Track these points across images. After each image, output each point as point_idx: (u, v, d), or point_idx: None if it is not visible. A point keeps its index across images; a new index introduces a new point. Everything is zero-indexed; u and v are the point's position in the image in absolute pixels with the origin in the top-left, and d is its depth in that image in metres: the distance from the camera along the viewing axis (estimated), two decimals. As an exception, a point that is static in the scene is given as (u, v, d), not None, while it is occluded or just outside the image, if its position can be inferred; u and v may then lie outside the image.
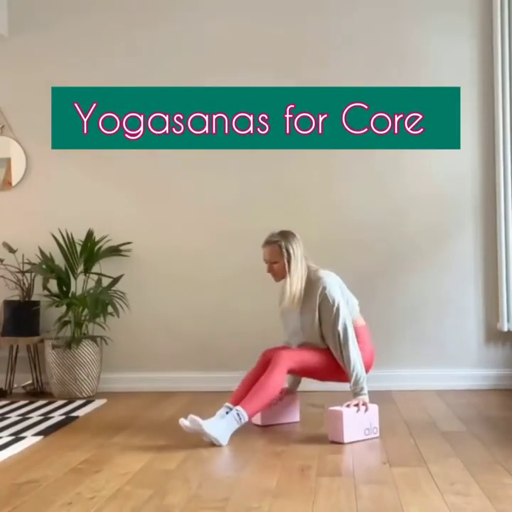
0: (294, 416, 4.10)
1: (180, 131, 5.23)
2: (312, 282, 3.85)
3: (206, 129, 5.21)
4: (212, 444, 3.54)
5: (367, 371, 3.84)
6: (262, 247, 3.98)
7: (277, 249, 3.88)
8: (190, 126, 5.22)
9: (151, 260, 5.25)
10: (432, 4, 5.10)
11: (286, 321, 4.00)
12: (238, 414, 3.60)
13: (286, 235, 3.91)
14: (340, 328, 3.75)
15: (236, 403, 3.69)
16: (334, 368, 3.82)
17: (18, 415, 4.40)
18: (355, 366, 3.72)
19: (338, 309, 3.77)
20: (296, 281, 3.85)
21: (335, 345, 3.77)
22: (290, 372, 3.83)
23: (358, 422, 3.63)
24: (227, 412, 3.66)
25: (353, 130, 5.11)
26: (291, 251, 3.85)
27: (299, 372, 3.90)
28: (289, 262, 3.85)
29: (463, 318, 5.07)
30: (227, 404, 3.73)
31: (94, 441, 3.73)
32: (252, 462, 3.30)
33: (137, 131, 5.23)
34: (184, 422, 3.58)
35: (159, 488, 2.91)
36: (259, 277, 5.08)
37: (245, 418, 3.61)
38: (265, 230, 5.09)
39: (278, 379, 3.69)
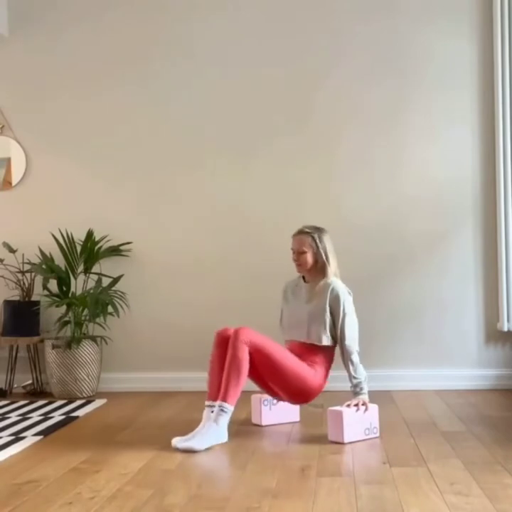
0: (294, 416, 4.10)
1: (180, 132, 5.24)
2: (326, 281, 3.88)
3: (206, 128, 5.22)
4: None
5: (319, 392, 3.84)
6: (293, 236, 3.99)
7: (308, 241, 3.91)
8: (190, 126, 5.23)
9: (151, 260, 5.25)
10: (433, 6, 5.10)
11: (291, 311, 3.98)
12: (222, 409, 3.54)
13: (319, 229, 3.96)
14: (348, 332, 3.77)
15: (214, 397, 3.63)
16: (291, 375, 3.72)
17: (18, 415, 4.40)
18: (357, 370, 3.75)
19: (345, 314, 3.79)
20: (332, 271, 3.88)
21: (340, 345, 3.79)
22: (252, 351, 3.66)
23: (358, 422, 3.63)
24: (212, 411, 3.60)
25: (353, 130, 5.13)
26: (324, 243, 3.90)
27: (252, 356, 3.65)
28: (325, 253, 3.89)
29: (463, 319, 5.08)
30: (207, 402, 3.65)
31: (94, 441, 3.73)
32: (252, 462, 3.30)
33: (137, 131, 5.25)
34: (177, 446, 3.49)
35: (159, 488, 2.91)
36: (259, 277, 5.11)
37: (230, 409, 3.56)
38: (265, 230, 5.14)
39: (241, 355, 3.60)
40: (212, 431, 3.53)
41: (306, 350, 3.84)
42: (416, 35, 5.12)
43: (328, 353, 3.86)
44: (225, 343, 3.71)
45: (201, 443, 3.47)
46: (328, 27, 5.16)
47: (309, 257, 3.90)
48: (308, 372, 3.76)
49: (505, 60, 4.99)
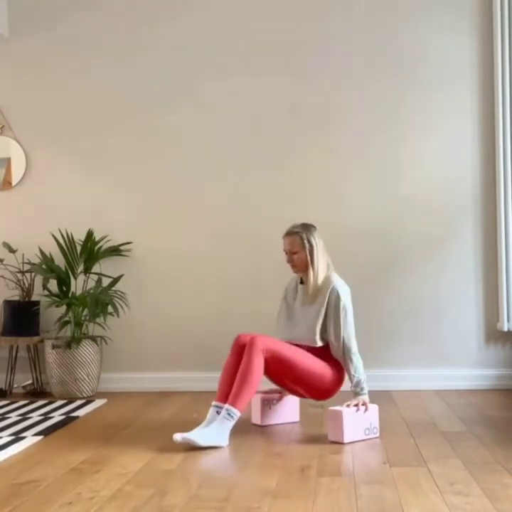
0: (294, 416, 4.10)
1: (181, 132, 5.24)
2: (325, 279, 3.87)
3: (207, 129, 5.22)
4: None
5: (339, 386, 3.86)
6: (283, 237, 3.98)
7: (298, 240, 3.90)
8: (190, 127, 5.23)
9: (151, 260, 5.25)
10: (432, 4, 5.10)
11: (290, 312, 3.99)
12: (229, 413, 3.55)
13: (307, 227, 3.94)
14: (347, 332, 3.78)
15: (224, 400, 3.63)
16: (309, 375, 3.74)
17: (18, 415, 4.40)
18: (357, 369, 3.75)
19: (346, 313, 3.79)
20: (321, 272, 3.87)
21: (338, 346, 3.78)
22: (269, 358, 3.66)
23: (358, 422, 3.63)
24: (217, 412, 3.61)
25: (352, 129, 5.13)
26: (313, 242, 3.88)
27: (269, 362, 3.66)
28: (311, 253, 3.87)
29: (463, 318, 5.07)
30: (215, 403, 3.66)
31: (94, 441, 3.73)
32: (252, 462, 3.30)
33: (137, 131, 5.25)
34: (177, 438, 3.51)
35: (159, 488, 2.91)
36: (259, 277, 5.11)
37: (237, 414, 3.56)
38: (265, 230, 5.13)
39: (257, 363, 3.60)
40: (215, 431, 3.53)
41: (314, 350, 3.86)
42: (415, 34, 5.11)
43: (327, 351, 3.86)
44: (241, 351, 3.70)
45: (202, 438, 3.48)
46: (327, 26, 5.16)
47: (302, 257, 3.89)
48: (325, 368, 3.78)
49: (505, 58, 4.99)
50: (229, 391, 3.63)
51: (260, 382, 3.64)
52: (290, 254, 3.93)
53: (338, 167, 5.16)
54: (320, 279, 3.86)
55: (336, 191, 5.15)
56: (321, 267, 3.87)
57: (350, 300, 3.85)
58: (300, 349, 3.81)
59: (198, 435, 3.49)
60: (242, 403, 3.57)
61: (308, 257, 3.87)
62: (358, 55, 5.14)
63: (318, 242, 3.89)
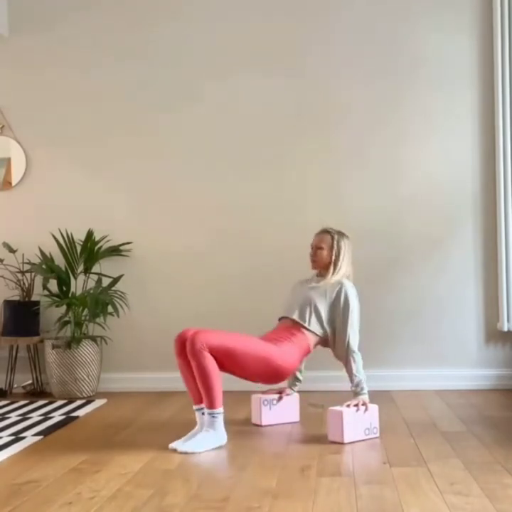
0: (294, 416, 4.10)
1: (181, 133, 5.24)
2: (338, 280, 3.94)
3: (207, 130, 5.22)
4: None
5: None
6: (316, 234, 4.06)
7: (329, 239, 4.00)
8: (191, 128, 5.23)
9: (151, 260, 5.25)
10: (432, 3, 5.10)
11: (295, 295, 4.01)
12: (213, 416, 3.53)
13: (341, 233, 4.05)
14: (352, 330, 3.80)
15: (200, 401, 3.62)
16: (255, 361, 3.68)
17: (18, 415, 4.40)
18: (358, 369, 3.76)
19: (352, 311, 3.83)
20: (339, 275, 3.95)
21: (343, 343, 3.80)
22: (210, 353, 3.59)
23: (358, 422, 3.63)
24: (203, 413, 3.60)
25: (352, 130, 5.13)
26: (342, 246, 3.99)
27: (214, 355, 3.56)
28: (337, 255, 3.97)
29: (463, 318, 5.07)
30: (195, 407, 3.64)
31: (94, 441, 3.73)
32: (252, 462, 3.29)
33: (137, 131, 5.25)
34: (174, 448, 3.50)
35: (159, 488, 2.91)
36: (259, 277, 5.11)
37: (220, 411, 3.54)
38: (265, 230, 5.14)
39: (207, 363, 3.51)
40: (210, 436, 3.53)
41: (290, 327, 3.87)
42: (415, 34, 5.11)
43: (310, 340, 3.85)
44: (185, 350, 3.62)
45: (200, 445, 3.47)
46: (327, 27, 5.16)
47: (325, 254, 3.98)
48: (274, 351, 3.72)
49: (505, 58, 4.99)
50: (198, 391, 3.60)
51: (220, 374, 3.57)
52: (315, 249, 4.01)
53: (338, 167, 5.16)
54: (335, 279, 3.93)
55: (336, 191, 5.15)
56: (341, 271, 3.97)
57: (357, 301, 3.90)
58: (243, 336, 3.75)
59: (196, 445, 3.47)
60: (217, 401, 3.54)
61: (333, 258, 3.96)
62: (358, 55, 5.14)
63: (347, 250, 4.00)
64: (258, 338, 3.80)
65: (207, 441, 3.51)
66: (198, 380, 3.57)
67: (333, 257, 3.97)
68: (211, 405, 3.54)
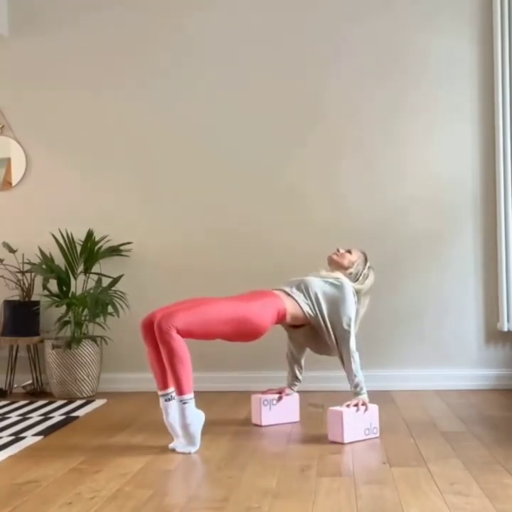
0: (294, 416, 4.10)
1: (182, 132, 5.24)
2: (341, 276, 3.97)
3: (208, 131, 5.22)
4: (212, 444, 3.55)
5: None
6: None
7: (361, 255, 4.09)
8: (191, 128, 5.23)
9: (151, 260, 5.25)
10: (432, 5, 5.11)
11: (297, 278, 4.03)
12: (183, 402, 3.46)
13: (371, 267, 4.10)
14: (347, 328, 3.79)
15: (164, 386, 3.58)
16: (230, 324, 3.62)
17: (18, 415, 4.40)
18: (357, 369, 3.76)
19: (345, 304, 3.82)
20: (349, 280, 3.94)
21: (341, 346, 3.80)
22: (184, 335, 3.52)
23: (358, 422, 3.63)
24: (167, 400, 3.55)
25: (353, 129, 5.13)
26: (367, 268, 4.04)
27: (186, 332, 3.50)
28: (361, 266, 4.03)
29: (463, 319, 5.07)
30: (160, 393, 3.60)
31: (94, 441, 3.73)
32: (252, 462, 3.29)
33: (137, 131, 5.26)
34: (172, 447, 3.52)
35: (159, 488, 2.91)
36: (259, 277, 5.11)
37: (191, 396, 3.47)
38: (265, 230, 5.13)
39: (176, 345, 3.44)
40: (190, 427, 3.46)
41: (272, 290, 3.87)
42: (415, 34, 5.11)
43: (288, 306, 3.80)
44: (150, 333, 3.57)
45: (192, 442, 3.47)
46: (328, 28, 5.16)
47: (350, 258, 4.03)
48: (245, 309, 3.67)
49: (505, 58, 4.99)
50: (164, 375, 3.55)
51: (189, 358, 3.49)
52: (345, 249, 4.06)
53: (338, 167, 5.16)
54: (340, 275, 3.96)
55: (337, 191, 5.15)
56: (350, 280, 3.96)
57: (354, 301, 3.87)
58: (211, 302, 3.68)
59: (188, 444, 3.47)
60: (187, 386, 3.46)
61: (352, 269, 4.00)
62: (359, 56, 5.14)
63: (368, 273, 4.04)
64: (228, 300, 3.73)
65: (192, 433, 3.45)
66: (168, 366, 3.48)
67: (353, 268, 4.00)
68: (181, 392, 3.45)
